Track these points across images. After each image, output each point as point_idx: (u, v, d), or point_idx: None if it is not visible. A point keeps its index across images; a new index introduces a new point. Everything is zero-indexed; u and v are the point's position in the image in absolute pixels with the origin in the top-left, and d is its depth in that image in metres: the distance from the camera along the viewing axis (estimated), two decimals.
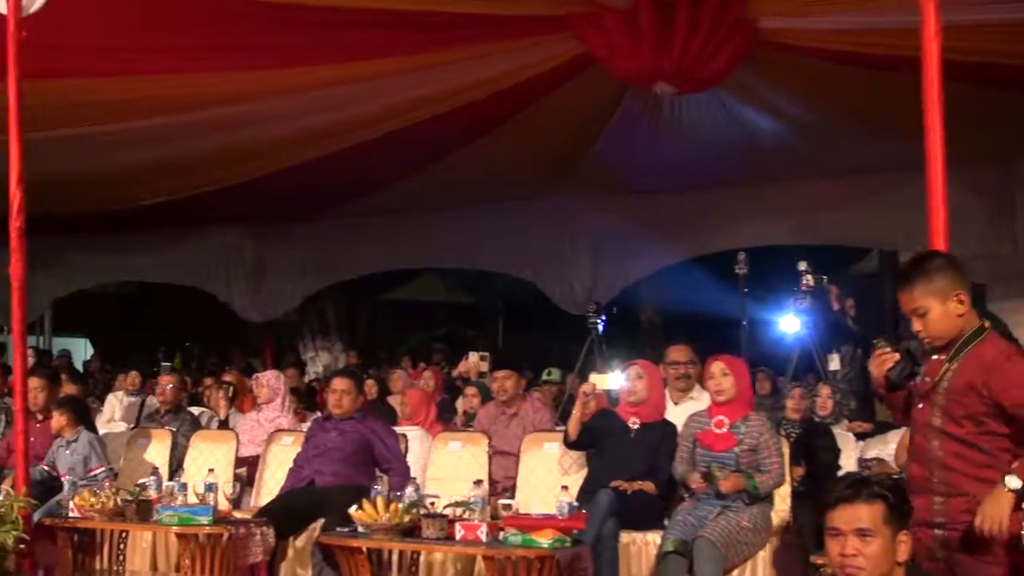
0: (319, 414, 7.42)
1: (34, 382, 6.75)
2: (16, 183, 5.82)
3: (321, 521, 5.82)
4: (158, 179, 10.59)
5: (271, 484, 6.65)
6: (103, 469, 6.48)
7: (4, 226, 11.01)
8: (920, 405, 3.50)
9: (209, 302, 13.36)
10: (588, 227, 11.33)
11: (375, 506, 5.16)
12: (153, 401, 9.16)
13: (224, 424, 8.22)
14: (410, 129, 8.73)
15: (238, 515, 6.02)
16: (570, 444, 6.10)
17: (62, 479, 6.47)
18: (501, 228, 11.57)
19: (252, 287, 12.78)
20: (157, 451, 7.14)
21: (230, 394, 8.49)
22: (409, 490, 5.31)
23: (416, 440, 6.90)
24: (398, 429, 6.84)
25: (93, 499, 5.75)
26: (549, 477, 6.24)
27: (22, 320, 5.81)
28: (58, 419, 6.63)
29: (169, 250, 13.12)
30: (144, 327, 17.63)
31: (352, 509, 5.20)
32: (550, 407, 7.69)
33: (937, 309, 3.41)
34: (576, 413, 6.01)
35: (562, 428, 6.40)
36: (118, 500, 5.77)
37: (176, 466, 7.00)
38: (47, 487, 6.42)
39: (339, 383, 6.39)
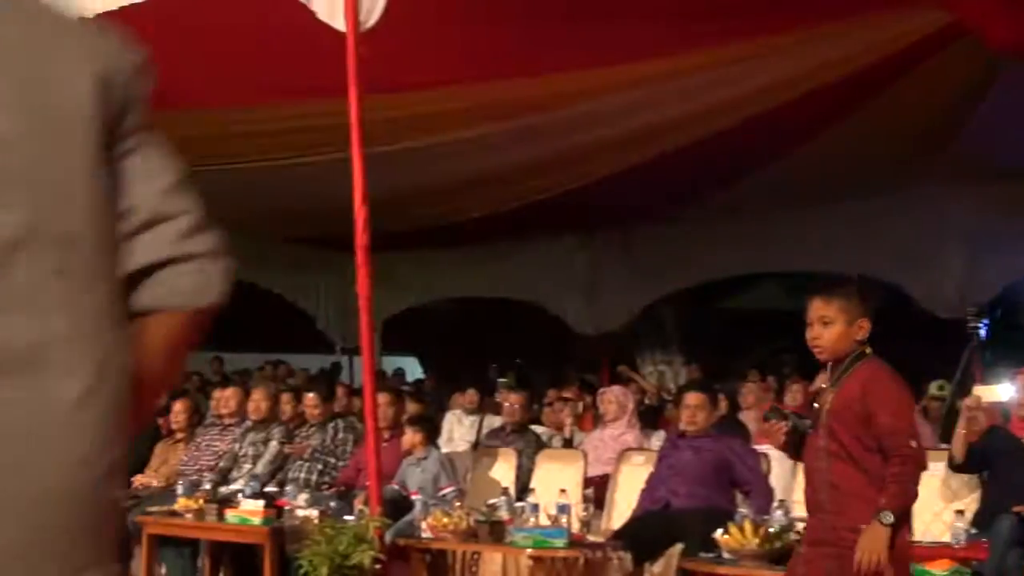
0: (662, 432, 7.44)
1: (383, 398, 7.21)
2: (360, 201, 6.25)
3: (679, 546, 5.81)
4: (486, 190, 11.08)
5: (622, 506, 6.72)
6: (452, 488, 6.81)
7: (342, 244, 11.84)
8: (812, 429, 3.94)
9: (535, 316, 13.78)
10: (958, 218, 10.69)
11: (742, 530, 5.09)
12: (492, 420, 9.56)
13: (568, 443, 8.43)
14: (753, 121, 8.62)
15: (591, 538, 6.13)
16: (956, 467, 5.80)
17: (412, 498, 6.87)
18: (854, 225, 11.14)
19: (586, 298, 13.05)
20: (503, 471, 7.41)
21: (578, 410, 8.69)
22: (778, 513, 5.21)
23: (777, 461, 6.76)
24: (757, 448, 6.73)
25: (446, 519, 6.05)
26: (935, 502, 5.92)
27: (370, 338, 6.24)
28: (411, 437, 7.06)
29: (498, 263, 13.64)
30: (470, 344, 18.48)
31: (718, 533, 5.15)
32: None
33: (841, 326, 3.89)
34: (961, 431, 5.68)
35: (945, 448, 6.07)
36: (470, 521, 6.04)
37: (523, 486, 7.23)
38: (398, 506, 6.83)
39: (692, 398, 6.37)
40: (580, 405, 8.87)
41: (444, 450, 7.98)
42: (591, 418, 8.42)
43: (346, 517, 6.33)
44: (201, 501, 7.03)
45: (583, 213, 11.92)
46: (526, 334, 15.56)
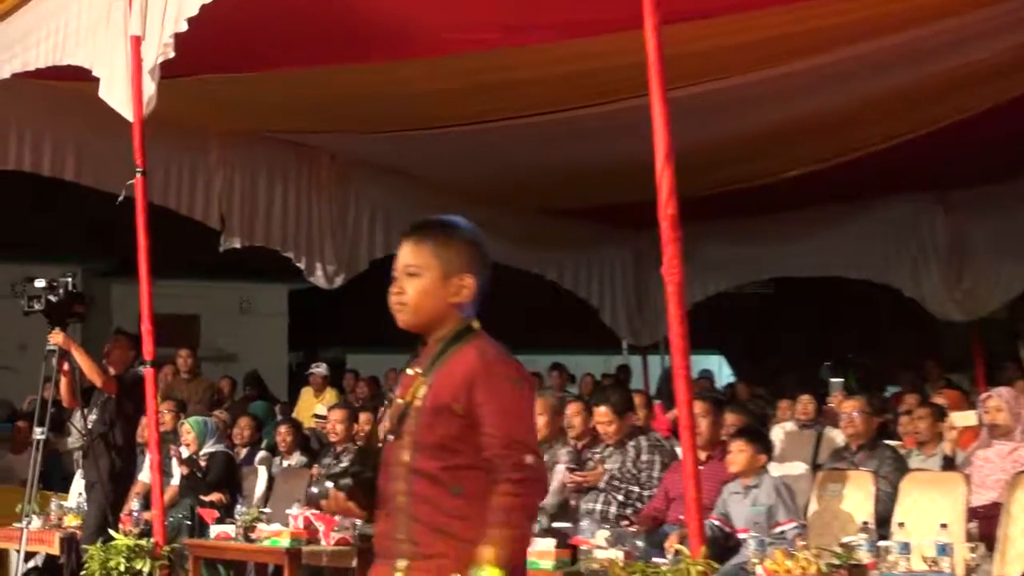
0: None
1: (699, 407, 7.09)
2: (664, 159, 6.09)
3: None
4: (811, 141, 10.77)
5: (1020, 544, 6.34)
6: (794, 525, 6.61)
7: (634, 217, 11.84)
8: (390, 437, 3.40)
9: (880, 299, 13.32)
10: None
11: None
12: (832, 434, 9.26)
13: (950, 463, 8.05)
14: None
15: None
16: None
17: (737, 535, 6.70)
18: None
19: (951, 275, 12.51)
20: (856, 500, 7.15)
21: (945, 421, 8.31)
22: None
23: None
24: None
25: (790, 563, 5.85)
26: None
27: (683, 334, 6.08)
28: (739, 457, 6.92)
29: (827, 235, 13.28)
30: (792, 338, 18.15)
31: None
32: None
33: (433, 279, 3.41)
34: None
35: None
36: (821, 565, 5.82)
37: (882, 519, 6.94)
38: (719, 546, 6.69)
39: None
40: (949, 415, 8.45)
41: (778, 473, 7.77)
42: (974, 432, 8.00)
43: (657, 560, 6.24)
44: None
45: (942, 166, 11.40)
46: (863, 321, 15.10)
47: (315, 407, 12.66)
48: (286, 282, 23.44)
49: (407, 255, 3.47)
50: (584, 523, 7.35)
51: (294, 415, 12.74)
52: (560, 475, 8.03)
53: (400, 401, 3.44)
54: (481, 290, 3.47)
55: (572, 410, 8.57)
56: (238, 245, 11.19)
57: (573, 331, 22.27)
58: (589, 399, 9.10)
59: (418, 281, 3.44)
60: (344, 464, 3.85)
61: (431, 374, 3.39)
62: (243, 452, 10.58)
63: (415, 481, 3.32)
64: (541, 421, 8.18)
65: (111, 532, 8.18)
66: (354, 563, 7.66)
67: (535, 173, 11.52)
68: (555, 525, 7.47)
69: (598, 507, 7.77)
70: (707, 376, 15.46)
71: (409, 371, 3.49)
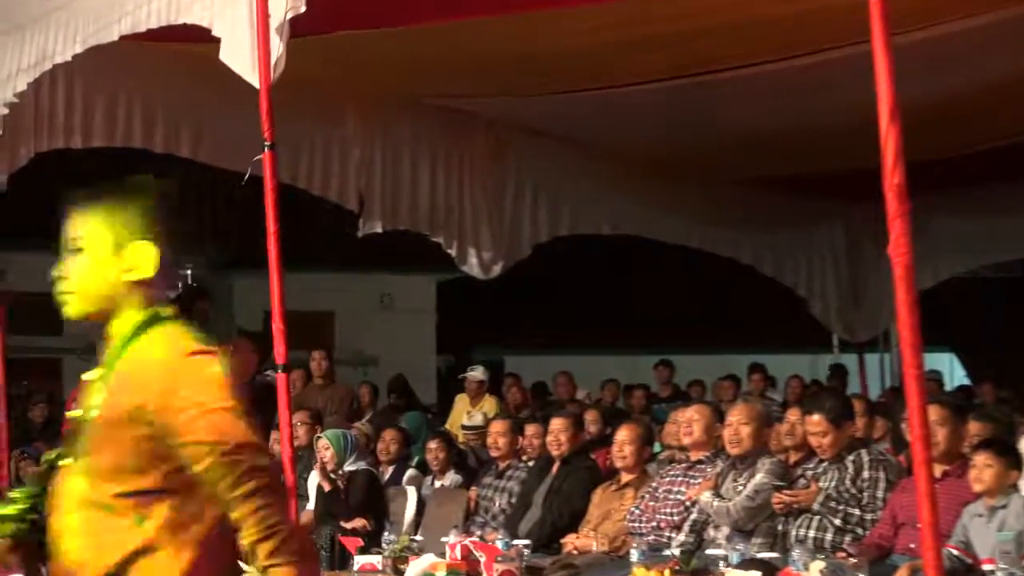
0: None
1: (935, 412, 6.97)
2: (889, 117, 5.98)
3: None
4: None
5: None
6: None
7: (848, 188, 11.69)
8: (64, 461, 3.23)
9: None
10: None
11: None
12: None
13: None
14: None
15: None
16: None
17: (982, 567, 6.57)
18: None
19: None
20: None
21: None
22: None
23: None
24: None
25: None
26: None
27: (914, 326, 5.97)
28: (983, 474, 6.81)
29: None
30: None
31: None
32: None
33: (100, 254, 3.20)
34: None
35: None
36: None
37: None
38: None
39: None
40: None
41: None
42: None
43: None
44: (667, 572, 7.10)
45: None
46: None
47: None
48: (434, 273, 23.65)
49: (71, 226, 3.27)
50: (795, 553, 7.27)
51: (446, 427, 12.85)
52: (764, 491, 7.93)
53: (76, 414, 3.27)
54: (170, 262, 3.30)
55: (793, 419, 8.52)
56: (379, 230, 11.29)
57: (774, 326, 22.11)
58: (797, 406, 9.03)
59: (82, 258, 3.25)
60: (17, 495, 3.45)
61: (109, 377, 3.22)
62: (389, 470, 10.69)
63: (88, 514, 3.16)
64: (745, 431, 8.13)
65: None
66: None
67: (727, 137, 11.43)
68: (760, 555, 7.42)
69: (811, 533, 7.70)
70: (935, 377, 15.18)
71: (87, 376, 3.31)
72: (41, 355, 22.33)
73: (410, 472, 10.73)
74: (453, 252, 11.80)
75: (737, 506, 7.90)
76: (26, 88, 9.24)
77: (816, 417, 8.06)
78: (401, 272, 24.23)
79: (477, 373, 13.76)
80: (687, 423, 8.75)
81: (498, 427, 9.81)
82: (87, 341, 17.31)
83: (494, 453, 9.77)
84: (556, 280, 23.85)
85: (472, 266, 11.88)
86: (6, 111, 9.41)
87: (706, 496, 8.04)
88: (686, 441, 8.76)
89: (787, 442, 8.46)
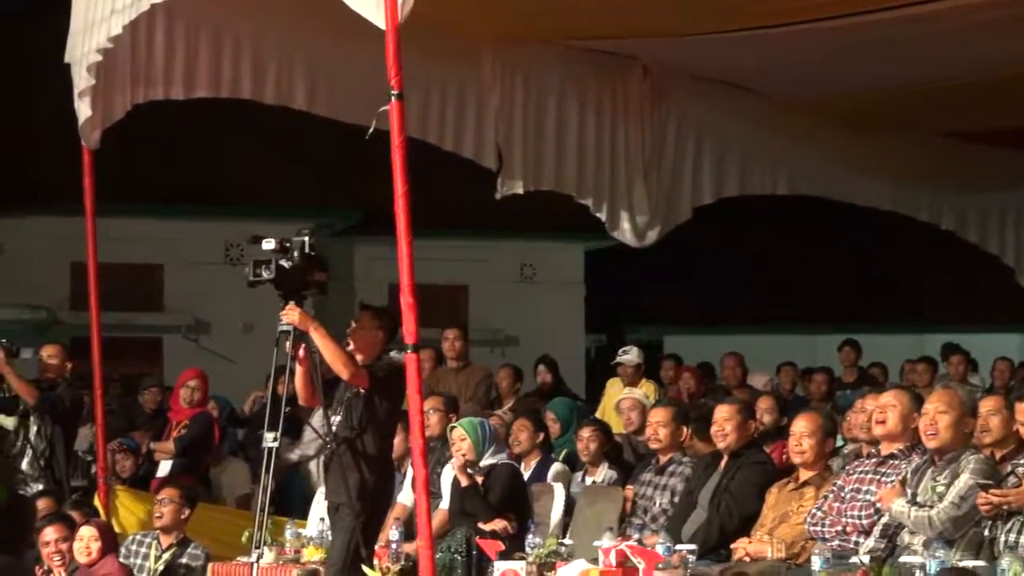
0: None
1: None
2: None
3: None
4: None
5: None
6: None
7: None
8: None
9: None
10: None
11: None
12: None
13: None
14: None
15: None
16: None
17: None
18: None
19: None
20: None
21: None
22: None
23: None
24: None
25: None
26: None
27: None
28: None
29: None
30: None
31: None
32: None
33: None
34: None
35: None
36: None
37: None
38: None
39: None
40: None
41: None
42: None
43: None
44: None
45: None
46: None
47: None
48: (582, 240, 23.66)
49: None
50: (1004, 561, 7.15)
51: (598, 415, 12.80)
52: (968, 490, 7.78)
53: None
54: None
55: (988, 407, 8.35)
56: (520, 191, 11.27)
57: (972, 299, 21.80)
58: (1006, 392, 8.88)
59: None
60: None
61: None
62: (532, 464, 10.67)
63: None
64: (944, 421, 7.97)
65: (364, 569, 8.32)
66: None
67: (924, 81, 11.19)
68: (963, 563, 7.31)
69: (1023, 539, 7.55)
70: None
71: None
72: (139, 334, 22.72)
73: (556, 467, 10.69)
74: (603, 216, 11.73)
75: (941, 515, 7.72)
76: (121, 32, 9.31)
77: None
78: (545, 239, 24.25)
79: (632, 356, 13.69)
80: (880, 410, 8.59)
81: (659, 415, 9.73)
82: (191, 318, 17.75)
83: (653, 445, 9.69)
84: (721, 248, 23.74)
85: (625, 232, 11.81)
86: (99, 58, 9.51)
87: (899, 505, 7.87)
88: (878, 432, 8.59)
89: (985, 437, 8.27)
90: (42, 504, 10.25)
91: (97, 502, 11.13)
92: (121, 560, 9.59)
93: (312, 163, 22.86)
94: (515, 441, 10.70)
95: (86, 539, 9.27)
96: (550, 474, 10.54)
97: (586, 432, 10.53)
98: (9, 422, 11.61)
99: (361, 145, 8.43)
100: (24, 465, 11.42)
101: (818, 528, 8.36)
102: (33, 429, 11.48)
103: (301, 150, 22.40)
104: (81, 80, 9.73)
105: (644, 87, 11.72)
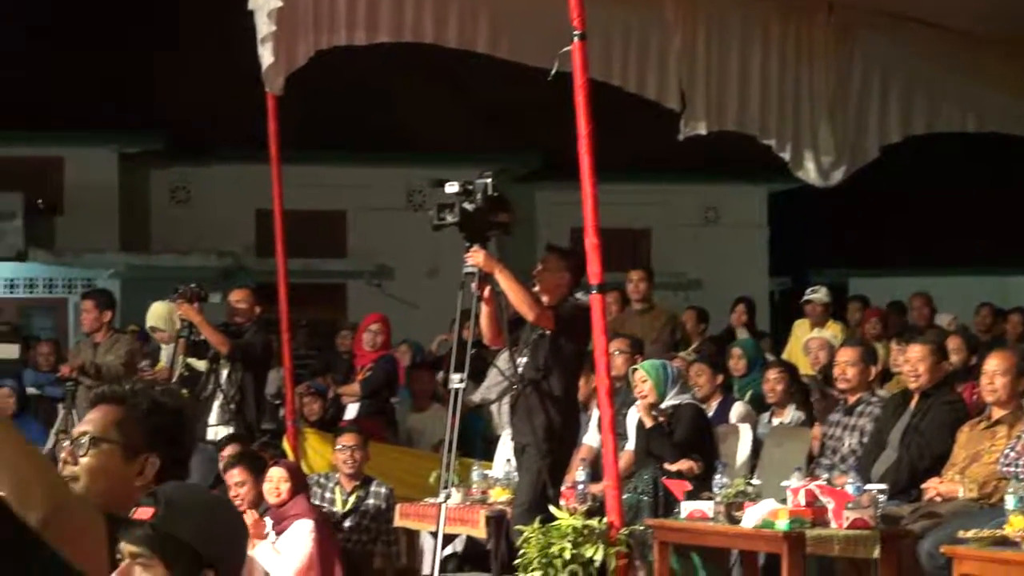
0: None
1: None
2: None
3: None
4: None
5: None
6: None
7: None
8: None
9: None
10: None
11: None
12: None
13: None
14: None
15: None
16: None
17: None
18: None
19: None
20: None
21: None
22: None
23: None
24: None
25: None
26: None
27: None
28: None
29: None
30: None
31: None
32: None
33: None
34: None
35: None
36: None
37: None
38: None
39: None
40: None
41: None
42: None
43: None
44: None
45: None
46: None
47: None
48: (765, 182, 23.50)
49: None
50: None
51: (784, 357, 12.77)
52: None
53: None
54: None
55: None
56: (703, 132, 11.18)
57: None
58: None
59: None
60: None
61: None
62: (713, 406, 10.67)
63: None
64: None
65: (551, 509, 8.35)
66: (876, 553, 7.66)
67: None
68: None
69: None
70: None
71: None
72: (324, 280, 23.06)
73: (740, 407, 10.70)
74: (787, 157, 11.60)
75: None
76: None
77: None
78: (728, 182, 24.13)
79: (820, 295, 13.62)
80: None
81: (848, 355, 9.66)
82: (375, 264, 18.03)
83: (842, 385, 9.63)
84: (909, 188, 23.41)
85: (809, 172, 11.67)
86: (280, 4, 9.62)
87: None
88: None
89: None
90: (229, 449, 10.44)
91: (286, 444, 11.36)
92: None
93: (492, 109, 22.96)
94: (694, 385, 10.68)
95: (276, 480, 9.44)
96: (733, 414, 10.55)
97: (773, 373, 10.53)
98: (201, 365, 11.87)
99: (542, 89, 8.46)
100: (215, 408, 11.63)
101: (1011, 468, 8.28)
102: (224, 373, 11.69)
103: (481, 96, 22.51)
104: (263, 26, 9.85)
105: (829, 27, 11.53)
